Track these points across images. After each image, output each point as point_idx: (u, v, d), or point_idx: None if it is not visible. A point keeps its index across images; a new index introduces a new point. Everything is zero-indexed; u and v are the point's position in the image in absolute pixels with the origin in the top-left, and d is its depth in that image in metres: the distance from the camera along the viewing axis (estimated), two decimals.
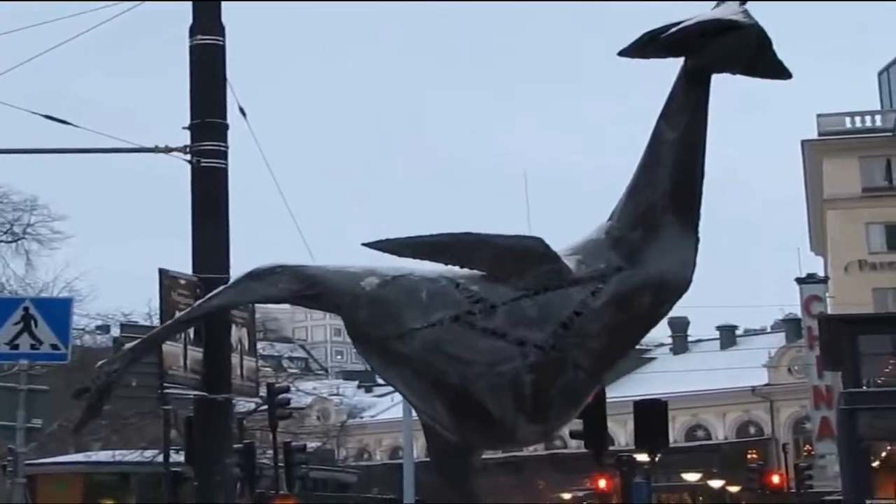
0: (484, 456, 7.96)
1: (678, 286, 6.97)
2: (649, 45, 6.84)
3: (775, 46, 6.86)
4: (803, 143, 53.16)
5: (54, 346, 13.77)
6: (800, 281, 53.26)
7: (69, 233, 43.96)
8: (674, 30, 6.77)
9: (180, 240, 17.57)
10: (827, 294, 52.83)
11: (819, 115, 53.40)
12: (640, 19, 7.11)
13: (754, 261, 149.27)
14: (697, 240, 6.98)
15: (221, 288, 7.46)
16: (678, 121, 6.87)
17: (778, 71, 6.92)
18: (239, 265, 14.70)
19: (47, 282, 46.39)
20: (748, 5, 6.81)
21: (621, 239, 6.92)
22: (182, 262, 15.73)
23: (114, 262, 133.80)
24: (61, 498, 47.39)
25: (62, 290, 44.60)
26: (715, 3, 6.97)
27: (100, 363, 7.06)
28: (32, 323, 13.70)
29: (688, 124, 6.87)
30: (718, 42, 6.74)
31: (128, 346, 7.21)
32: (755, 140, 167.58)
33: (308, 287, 7.06)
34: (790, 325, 71.27)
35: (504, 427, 6.80)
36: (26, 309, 13.84)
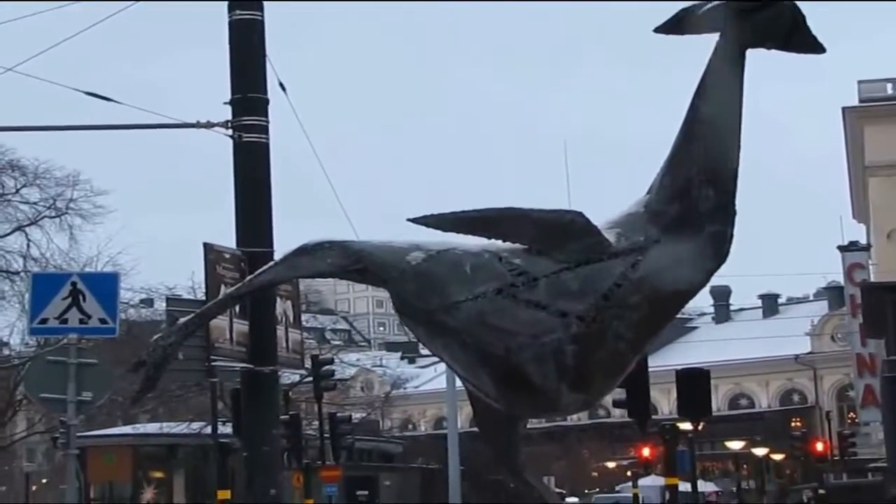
0: (529, 426, 8.12)
1: (715, 259, 7.10)
2: (684, 22, 6.96)
3: (809, 20, 6.97)
4: (844, 109, 52.79)
5: (103, 321, 13.98)
6: (842, 249, 52.98)
7: (112, 207, 44.24)
8: (708, 6, 6.88)
9: (223, 214, 17.81)
10: (870, 261, 52.59)
11: (860, 82, 52.99)
12: None
13: (796, 229, 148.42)
14: (734, 213, 7.11)
15: (271, 263, 7.66)
16: (713, 96, 6.99)
17: (811, 46, 7.02)
18: (282, 239, 14.93)
19: (91, 256, 46.77)
20: None
21: (659, 213, 7.05)
22: (226, 237, 15.95)
23: (157, 237, 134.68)
24: (111, 469, 48.05)
25: (106, 265, 44.97)
26: None
27: (155, 337, 7.27)
28: (81, 297, 13.91)
29: (723, 100, 6.99)
30: (753, 18, 6.85)
31: (182, 320, 7.40)
32: (794, 107, 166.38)
33: (355, 262, 7.25)
34: (833, 293, 70.92)
35: (547, 396, 6.96)
36: (74, 284, 14.05)
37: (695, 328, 79.44)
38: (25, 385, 20.39)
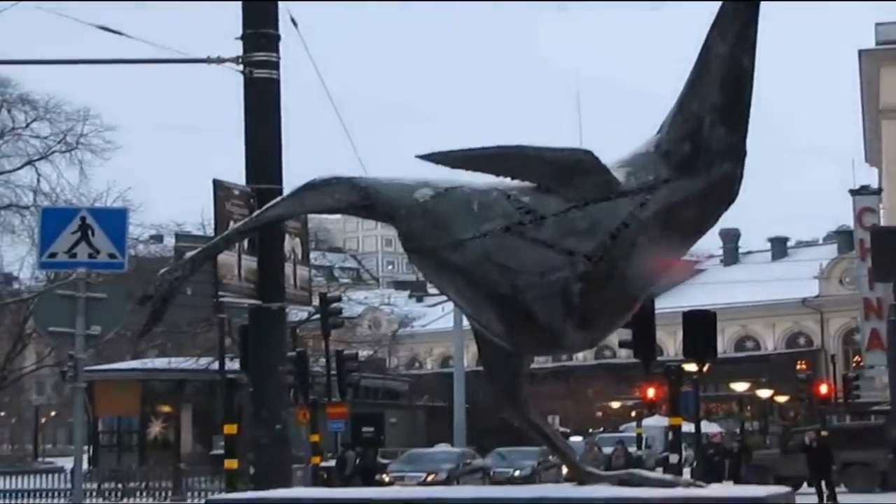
0: (534, 365, 8.10)
1: (725, 199, 7.07)
2: None
3: None
4: (860, 52, 52.37)
5: (111, 256, 13.98)
6: (853, 192, 52.81)
7: (121, 143, 44.35)
8: None
9: (233, 151, 17.76)
10: (880, 206, 52.42)
11: (878, 24, 52.49)
12: None
13: (808, 172, 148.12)
14: (745, 153, 7.06)
15: (279, 199, 7.63)
16: (728, 35, 6.91)
17: None
18: (291, 176, 14.90)
19: (101, 192, 46.83)
20: None
21: (670, 152, 7.00)
22: (235, 173, 15.92)
23: (166, 173, 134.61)
24: (119, 403, 48.41)
25: (115, 201, 45.06)
26: None
27: (162, 271, 7.27)
28: (90, 232, 13.91)
29: (737, 38, 6.91)
30: None
31: (188, 254, 7.40)
32: (811, 48, 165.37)
33: (363, 198, 7.22)
34: (842, 237, 70.86)
35: (553, 334, 6.96)
36: (83, 219, 14.03)
37: (703, 270, 79.50)
38: (35, 318, 20.48)
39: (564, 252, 6.84)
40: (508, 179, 7.09)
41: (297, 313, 38.68)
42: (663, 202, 6.91)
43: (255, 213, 8.39)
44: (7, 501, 40.40)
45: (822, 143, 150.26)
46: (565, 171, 6.95)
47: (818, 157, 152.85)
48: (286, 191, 7.88)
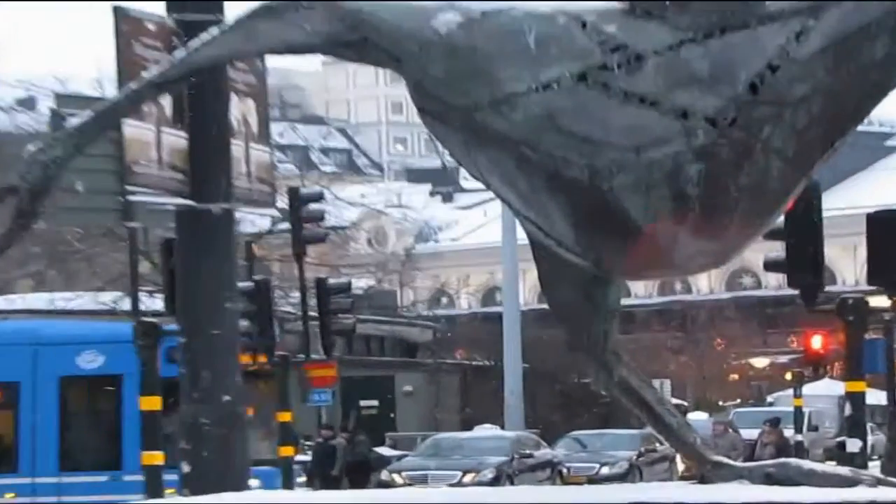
0: (632, 301, 8.06)
1: None
2: None
3: None
4: None
5: None
6: None
7: None
8: None
9: None
10: None
11: None
12: None
13: None
14: None
15: (216, 31, 7.62)
16: None
17: None
18: (236, 3, 14.94)
19: None
20: None
21: None
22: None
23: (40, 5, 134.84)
24: None
25: None
26: None
27: (32, 149, 7.29)
28: None
29: None
30: None
31: (73, 122, 7.41)
32: None
33: (350, 29, 7.20)
34: None
35: (655, 244, 6.97)
36: None
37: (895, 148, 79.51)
38: None
39: (675, 113, 6.85)
40: None
41: (252, 220, 38.89)
42: (832, 31, 6.88)
43: (177, 55, 8.38)
44: None
45: None
46: None
47: None
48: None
